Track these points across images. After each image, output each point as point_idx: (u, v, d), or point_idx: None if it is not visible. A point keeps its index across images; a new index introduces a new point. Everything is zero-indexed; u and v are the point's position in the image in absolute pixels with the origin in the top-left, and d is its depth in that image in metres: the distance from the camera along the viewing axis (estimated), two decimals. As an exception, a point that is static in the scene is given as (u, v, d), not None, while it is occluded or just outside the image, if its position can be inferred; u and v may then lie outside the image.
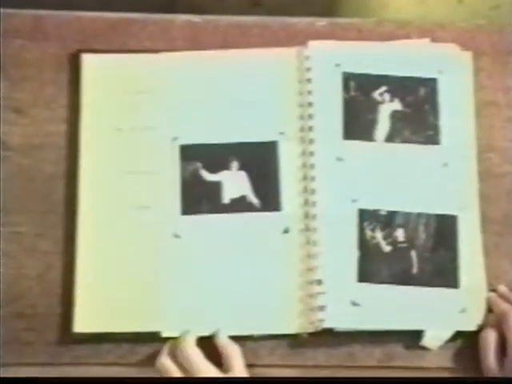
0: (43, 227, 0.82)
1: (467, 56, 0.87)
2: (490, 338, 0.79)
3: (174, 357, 0.77)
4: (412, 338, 0.81)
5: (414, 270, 0.81)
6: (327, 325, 0.79)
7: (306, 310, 0.80)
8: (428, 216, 0.82)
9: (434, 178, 0.83)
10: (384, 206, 0.82)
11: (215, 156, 0.83)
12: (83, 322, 0.80)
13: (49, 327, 0.80)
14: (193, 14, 0.87)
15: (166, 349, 0.78)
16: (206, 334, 0.79)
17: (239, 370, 0.77)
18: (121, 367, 0.80)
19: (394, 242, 0.82)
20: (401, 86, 0.85)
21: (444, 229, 0.82)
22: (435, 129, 0.84)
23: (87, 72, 0.85)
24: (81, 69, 0.85)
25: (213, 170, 0.83)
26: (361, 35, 0.87)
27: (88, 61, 0.85)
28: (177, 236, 0.81)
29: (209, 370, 0.76)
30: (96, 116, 0.84)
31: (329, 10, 1.10)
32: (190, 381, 0.76)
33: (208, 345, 0.79)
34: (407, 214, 0.82)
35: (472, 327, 0.80)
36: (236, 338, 0.79)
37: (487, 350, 0.78)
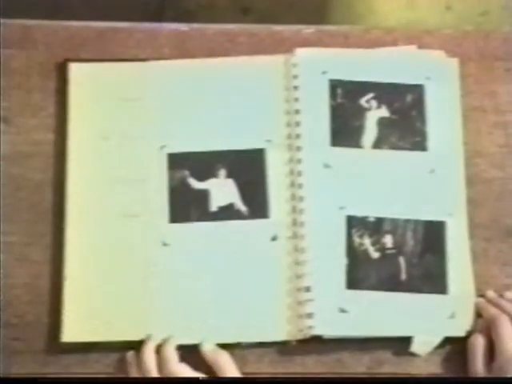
0: (32, 236, 0.83)
1: (454, 62, 0.87)
2: (478, 343, 0.79)
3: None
4: (401, 345, 0.81)
5: (403, 276, 0.82)
6: (316, 332, 0.79)
7: (294, 317, 0.80)
8: (416, 222, 0.83)
9: (421, 184, 0.84)
10: (372, 212, 0.83)
11: (203, 164, 0.84)
12: (71, 332, 0.80)
13: (37, 336, 0.81)
14: (180, 23, 0.88)
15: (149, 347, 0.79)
16: (194, 341, 0.80)
17: (233, 374, 0.78)
18: (109, 376, 0.80)
19: (382, 249, 0.82)
20: (388, 93, 0.86)
21: (432, 235, 0.83)
22: (422, 135, 0.85)
23: (74, 81, 0.85)
24: (68, 77, 0.85)
25: (200, 177, 0.83)
26: (348, 42, 0.88)
27: (75, 69, 0.85)
28: (165, 244, 0.82)
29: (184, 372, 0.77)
30: (83, 124, 0.84)
31: (317, 17, 1.10)
32: (190, 381, 0.77)
33: (198, 354, 0.79)
34: (395, 221, 0.83)
35: (461, 333, 0.81)
36: (224, 346, 0.80)
37: (475, 355, 0.79)
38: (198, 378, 0.77)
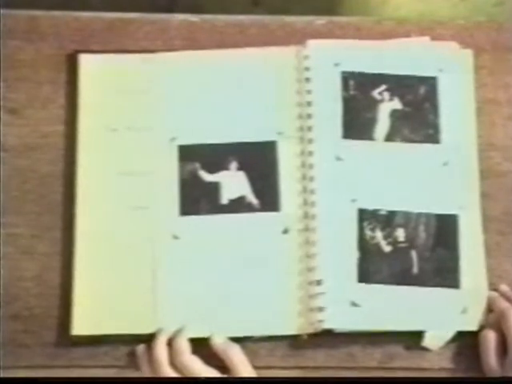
0: (40, 228, 0.83)
1: (467, 54, 0.87)
2: (491, 337, 0.79)
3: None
4: (413, 339, 0.81)
5: (415, 270, 0.82)
6: (327, 326, 0.80)
7: (305, 310, 0.81)
8: (428, 215, 0.83)
9: (434, 177, 0.84)
10: (384, 205, 0.83)
11: (214, 156, 0.84)
12: (81, 325, 0.80)
13: (46, 329, 0.81)
14: (190, 14, 0.89)
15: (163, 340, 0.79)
16: (205, 335, 0.80)
17: (244, 369, 0.78)
18: (118, 369, 0.81)
19: (394, 242, 0.82)
20: (400, 85, 0.85)
21: (445, 228, 0.83)
22: (435, 127, 0.85)
23: (84, 72, 0.86)
24: (78, 69, 0.86)
25: (211, 170, 0.84)
26: (360, 34, 0.88)
27: (85, 61, 0.86)
28: (175, 237, 0.82)
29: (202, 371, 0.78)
30: (93, 116, 0.85)
31: (329, 9, 1.10)
32: (188, 381, 0.77)
33: (208, 347, 0.80)
34: (407, 214, 0.83)
35: (473, 327, 0.81)
36: (235, 340, 0.80)
37: (488, 349, 0.79)
38: (198, 378, 0.77)
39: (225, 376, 0.78)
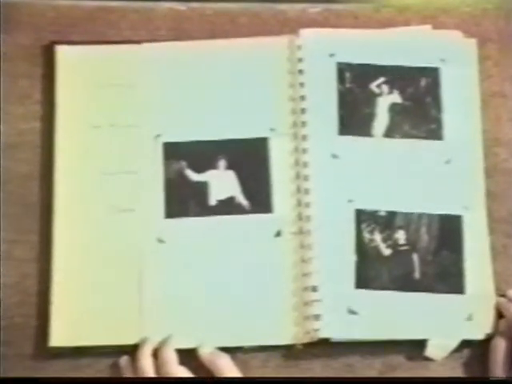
0: (18, 232, 0.83)
1: (472, 43, 0.87)
2: (500, 346, 0.79)
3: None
4: (415, 349, 0.81)
5: (416, 274, 0.82)
6: (323, 334, 0.79)
7: (300, 318, 0.80)
8: (430, 216, 0.83)
9: (436, 176, 0.84)
10: (383, 206, 0.83)
11: (201, 154, 0.83)
12: (60, 336, 0.80)
13: (26, 340, 0.81)
14: (177, 2, 0.88)
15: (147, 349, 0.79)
16: (192, 345, 0.79)
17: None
18: (109, 377, 0.80)
19: (394, 245, 0.82)
20: (400, 77, 0.85)
21: (448, 230, 0.83)
22: (437, 122, 0.85)
23: (62, 65, 0.85)
24: (55, 61, 0.85)
25: (199, 169, 0.83)
26: (357, 22, 0.88)
27: (63, 53, 0.85)
28: (160, 241, 0.82)
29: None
30: (72, 112, 0.84)
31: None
32: (188, 381, 0.77)
33: (197, 359, 0.79)
34: (408, 215, 0.82)
35: (479, 336, 0.80)
36: (225, 350, 0.79)
37: (496, 359, 0.78)
38: (198, 378, 0.77)
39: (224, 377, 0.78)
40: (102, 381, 0.79)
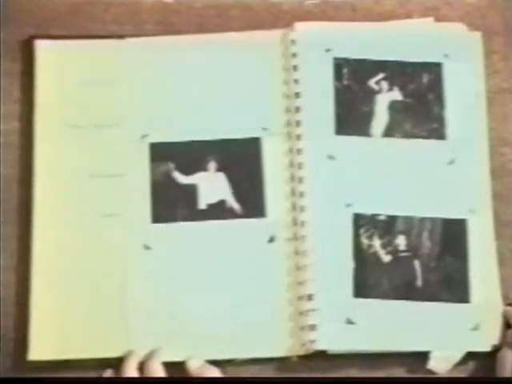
0: (-3, 239, 0.82)
1: (476, 37, 0.86)
2: (508, 358, 0.78)
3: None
4: (417, 361, 0.80)
5: (418, 282, 0.81)
6: (319, 346, 0.79)
7: (295, 329, 0.80)
8: (433, 220, 0.82)
9: (439, 177, 0.83)
10: (382, 209, 0.82)
11: (190, 155, 0.83)
12: (40, 349, 0.79)
13: (3, 354, 0.80)
14: (164, -6, 0.88)
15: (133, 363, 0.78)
16: (180, 358, 0.78)
17: None
18: (109, 376, 0.79)
19: (394, 251, 0.82)
20: (401, 73, 0.85)
21: (452, 235, 0.82)
22: (440, 121, 0.84)
23: (42, 61, 0.84)
24: (34, 57, 0.84)
25: (187, 171, 0.83)
26: (355, 15, 0.87)
27: (43, 48, 0.85)
28: (147, 247, 0.81)
29: None
30: (53, 112, 0.83)
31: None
32: (188, 381, 0.77)
33: (185, 372, 0.78)
34: (409, 219, 0.82)
35: (486, 347, 0.80)
36: (215, 363, 0.79)
37: (504, 372, 0.77)
38: (197, 378, 0.77)
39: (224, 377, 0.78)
40: (102, 381, 0.78)
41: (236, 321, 0.80)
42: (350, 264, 0.81)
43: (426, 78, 0.85)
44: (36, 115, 0.83)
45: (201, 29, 0.86)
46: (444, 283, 0.81)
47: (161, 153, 0.83)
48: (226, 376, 0.78)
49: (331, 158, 0.83)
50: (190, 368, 0.78)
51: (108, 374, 0.79)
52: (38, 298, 0.79)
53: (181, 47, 0.85)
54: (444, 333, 0.80)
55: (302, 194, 0.82)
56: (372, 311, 0.80)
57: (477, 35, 0.86)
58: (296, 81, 0.84)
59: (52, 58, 0.84)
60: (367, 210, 0.82)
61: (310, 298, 0.79)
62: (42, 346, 0.79)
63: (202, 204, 0.82)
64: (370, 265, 0.81)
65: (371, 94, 0.84)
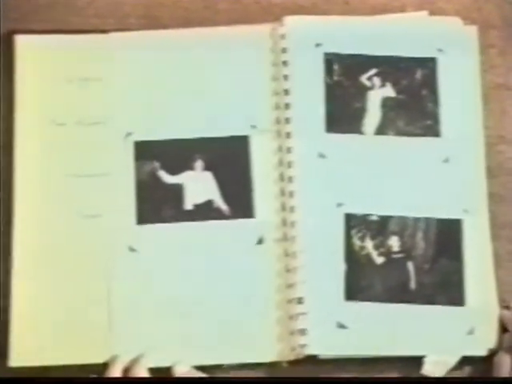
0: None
1: (472, 30, 0.86)
2: (505, 363, 0.77)
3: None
4: (410, 366, 0.80)
5: (412, 284, 0.81)
6: (310, 351, 0.79)
7: (284, 333, 0.79)
8: (427, 221, 0.82)
9: (434, 176, 0.83)
10: (375, 209, 0.82)
11: (176, 154, 0.82)
12: (21, 355, 0.78)
13: None
14: (148, -13, 0.88)
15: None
16: (166, 364, 0.78)
17: None
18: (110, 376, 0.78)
19: (387, 253, 0.81)
20: (394, 69, 0.85)
21: (447, 235, 0.82)
22: (435, 118, 0.84)
23: (22, 56, 0.84)
24: (14, 52, 0.84)
25: (173, 170, 0.82)
26: (347, 8, 0.87)
27: (22, 43, 0.84)
28: (132, 249, 0.81)
29: None
30: (33, 109, 0.83)
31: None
32: (186, 381, 0.77)
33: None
34: (402, 219, 0.82)
35: (481, 352, 0.80)
36: (203, 369, 0.78)
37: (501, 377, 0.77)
38: (197, 378, 0.77)
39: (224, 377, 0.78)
40: (102, 381, 0.78)
41: (223, 325, 0.79)
42: (341, 266, 0.80)
43: (419, 74, 0.85)
44: (16, 113, 0.83)
45: (187, 23, 0.85)
46: (438, 286, 0.80)
47: (146, 151, 0.82)
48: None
49: (322, 156, 0.82)
50: (177, 374, 0.78)
51: None
52: (19, 302, 0.79)
53: (165, 42, 0.85)
54: (438, 337, 0.80)
55: (291, 194, 0.81)
56: (364, 315, 0.80)
57: (473, 29, 0.86)
58: (285, 77, 0.84)
59: (32, 53, 0.84)
60: (359, 210, 0.82)
61: (300, 301, 0.79)
62: (23, 352, 0.78)
63: (189, 204, 0.81)
64: (362, 267, 0.81)
65: (363, 91, 0.84)
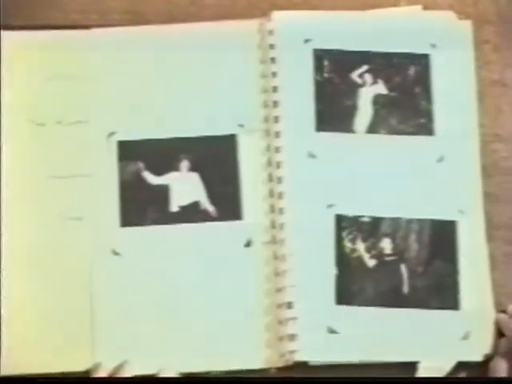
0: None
1: (467, 25, 0.86)
2: (501, 368, 0.77)
3: None
4: (404, 372, 0.79)
5: (405, 288, 0.81)
6: (300, 357, 0.78)
7: (273, 339, 0.79)
8: (421, 222, 0.82)
9: (427, 176, 0.83)
10: (367, 211, 0.82)
11: (161, 154, 0.82)
12: (1, 363, 0.78)
13: None
14: (132, -19, 0.88)
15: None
16: (151, 371, 0.77)
17: None
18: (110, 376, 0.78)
19: (379, 255, 0.81)
20: (386, 65, 0.85)
21: (441, 237, 0.82)
22: (428, 116, 0.84)
23: (2, 53, 0.83)
24: None
25: (158, 171, 0.82)
26: (337, 3, 0.86)
27: (3, 39, 0.83)
28: (115, 253, 0.81)
29: None
30: (14, 108, 0.83)
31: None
32: (185, 380, 0.77)
33: None
34: (395, 221, 0.82)
35: (477, 357, 0.79)
36: (189, 377, 0.78)
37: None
38: (196, 378, 0.77)
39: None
40: (102, 381, 0.77)
41: (211, 331, 0.79)
42: (332, 269, 0.80)
43: (412, 70, 0.85)
44: (-2, 112, 0.81)
45: (171, 18, 0.85)
46: (432, 289, 0.80)
47: (129, 151, 0.82)
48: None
49: (312, 156, 0.82)
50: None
51: None
52: (6, 308, 0.78)
53: (149, 38, 0.84)
54: (433, 342, 0.79)
55: (280, 195, 0.81)
56: (356, 319, 0.79)
57: (467, 24, 0.86)
58: (274, 74, 0.83)
59: (12, 50, 0.83)
60: (350, 211, 0.81)
61: (289, 305, 0.79)
62: (4, 361, 0.78)
63: (174, 206, 0.81)
64: (353, 270, 0.80)
65: (354, 88, 0.84)
